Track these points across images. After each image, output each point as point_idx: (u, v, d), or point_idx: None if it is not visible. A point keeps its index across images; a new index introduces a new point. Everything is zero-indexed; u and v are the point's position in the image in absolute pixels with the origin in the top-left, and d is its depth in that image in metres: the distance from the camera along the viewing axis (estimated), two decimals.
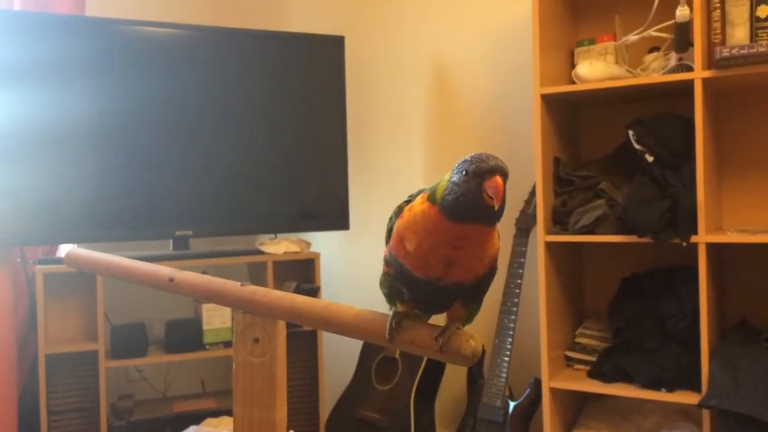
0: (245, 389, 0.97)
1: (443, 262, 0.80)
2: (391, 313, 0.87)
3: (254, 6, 3.16)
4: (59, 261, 2.33)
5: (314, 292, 2.56)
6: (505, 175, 0.76)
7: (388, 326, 0.85)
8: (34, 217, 2.27)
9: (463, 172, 0.77)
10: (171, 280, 1.04)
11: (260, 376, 0.96)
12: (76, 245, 2.38)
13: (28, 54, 2.26)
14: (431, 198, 0.81)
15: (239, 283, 1.00)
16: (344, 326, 0.89)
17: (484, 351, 2.46)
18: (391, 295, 0.90)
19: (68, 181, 2.32)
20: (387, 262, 0.87)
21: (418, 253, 0.80)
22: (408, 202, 0.86)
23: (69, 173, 2.32)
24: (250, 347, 0.97)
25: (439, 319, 0.87)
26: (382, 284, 0.91)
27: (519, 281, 2.27)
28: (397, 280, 0.86)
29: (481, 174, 0.76)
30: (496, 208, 0.75)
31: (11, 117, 2.24)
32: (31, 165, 2.27)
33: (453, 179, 0.78)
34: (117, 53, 2.39)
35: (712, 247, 1.96)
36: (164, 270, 1.05)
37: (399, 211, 0.86)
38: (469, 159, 0.77)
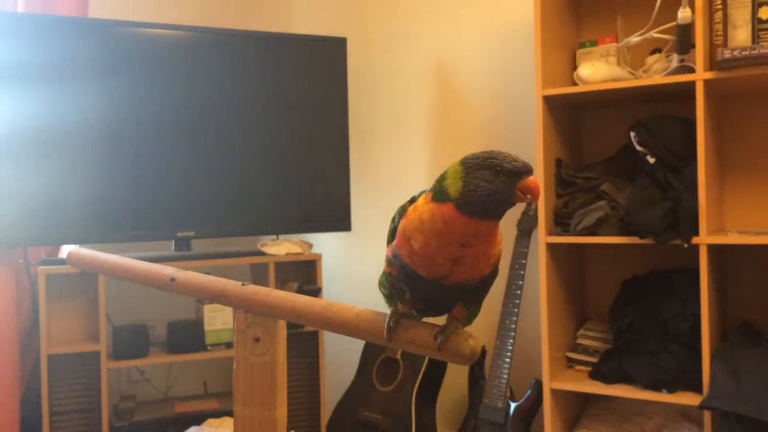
0: (246, 388, 0.98)
1: (450, 260, 0.80)
2: (389, 312, 0.87)
3: (256, 8, 3.17)
4: (62, 262, 2.34)
5: (316, 293, 2.57)
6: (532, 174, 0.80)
7: (386, 326, 0.86)
8: (37, 218, 2.28)
9: (495, 169, 0.77)
10: (172, 280, 1.04)
11: (261, 375, 0.96)
12: (78, 246, 2.39)
13: (31, 56, 2.26)
14: (439, 197, 0.80)
15: (240, 283, 1.00)
16: (345, 326, 0.89)
17: (485, 352, 2.46)
18: (391, 296, 0.90)
19: (71, 182, 2.33)
20: (390, 262, 0.87)
21: (425, 251, 0.81)
22: (411, 202, 0.86)
23: (71, 174, 2.33)
24: (251, 346, 0.97)
25: (438, 319, 0.87)
26: (381, 284, 0.91)
27: (520, 282, 2.27)
28: (400, 280, 0.86)
29: (517, 173, 0.78)
30: (534, 206, 0.77)
31: (14, 118, 2.24)
32: (34, 166, 2.28)
33: (476, 175, 0.78)
34: (119, 55, 2.40)
35: (713, 249, 1.96)
36: (166, 270, 1.06)
37: (403, 211, 0.86)
38: (493, 156, 0.78)
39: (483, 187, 0.77)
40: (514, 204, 0.79)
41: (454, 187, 0.79)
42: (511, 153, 0.80)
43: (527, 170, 0.78)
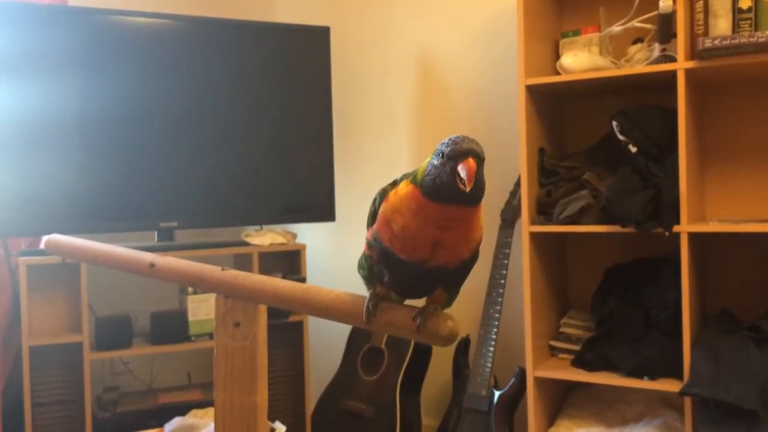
0: (226, 374, 0.97)
1: (430, 243, 0.80)
2: (368, 295, 0.87)
3: None
4: (43, 252, 2.31)
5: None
6: (478, 158, 0.76)
7: (365, 308, 0.86)
8: (18, 208, 2.25)
9: (440, 155, 0.78)
10: (152, 265, 1.03)
11: (241, 360, 0.96)
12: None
13: (9, 45, 2.23)
14: (414, 180, 0.82)
15: (220, 268, 1.00)
16: (324, 308, 0.89)
17: (469, 341, 2.47)
18: (371, 278, 0.90)
19: (52, 172, 2.30)
20: (370, 245, 0.87)
21: (405, 234, 0.81)
22: (392, 185, 0.86)
23: (52, 164, 2.30)
24: (231, 331, 0.97)
25: (417, 302, 0.87)
26: (361, 266, 0.91)
27: (504, 272, 2.28)
28: (380, 263, 0.86)
29: (455, 156, 0.76)
30: (468, 190, 0.75)
31: None
32: (13, 156, 2.25)
33: (432, 161, 0.79)
34: (100, 44, 2.37)
35: (694, 237, 1.97)
36: (145, 255, 1.05)
37: (383, 194, 0.86)
38: (446, 141, 0.78)
39: (431, 172, 0.79)
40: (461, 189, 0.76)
41: (421, 172, 0.81)
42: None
43: (463, 152, 0.75)
